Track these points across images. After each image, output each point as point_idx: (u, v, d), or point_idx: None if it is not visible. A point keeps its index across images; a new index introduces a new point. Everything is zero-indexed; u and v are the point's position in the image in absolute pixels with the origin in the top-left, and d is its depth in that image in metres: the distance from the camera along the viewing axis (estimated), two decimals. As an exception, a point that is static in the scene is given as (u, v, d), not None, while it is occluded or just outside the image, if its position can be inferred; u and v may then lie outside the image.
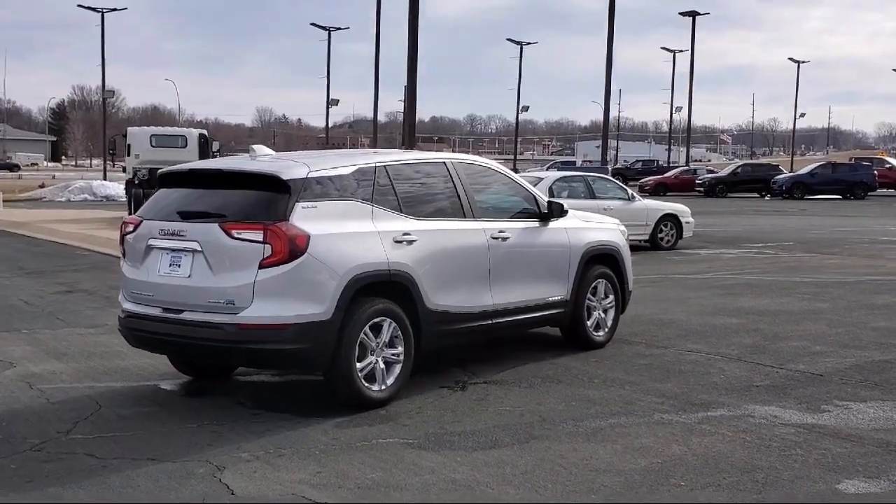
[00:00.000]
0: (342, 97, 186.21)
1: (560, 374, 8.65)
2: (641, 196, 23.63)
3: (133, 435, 6.89)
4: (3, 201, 35.38)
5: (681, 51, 76.16)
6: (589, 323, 9.70)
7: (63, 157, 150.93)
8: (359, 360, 7.39)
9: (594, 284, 9.74)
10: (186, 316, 7.25)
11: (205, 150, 28.33)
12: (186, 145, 28.41)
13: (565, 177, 20.82)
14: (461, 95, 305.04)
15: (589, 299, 9.69)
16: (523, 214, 9.21)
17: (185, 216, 7.43)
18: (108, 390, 8.22)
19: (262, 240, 6.99)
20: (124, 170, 30.79)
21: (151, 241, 7.57)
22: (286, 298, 7.02)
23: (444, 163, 8.58)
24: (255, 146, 8.01)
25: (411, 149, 23.15)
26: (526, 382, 8.37)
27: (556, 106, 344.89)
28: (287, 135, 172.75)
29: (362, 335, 7.38)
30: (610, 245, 9.97)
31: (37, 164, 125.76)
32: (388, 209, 7.79)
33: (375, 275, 7.46)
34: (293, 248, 7.00)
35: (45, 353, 9.71)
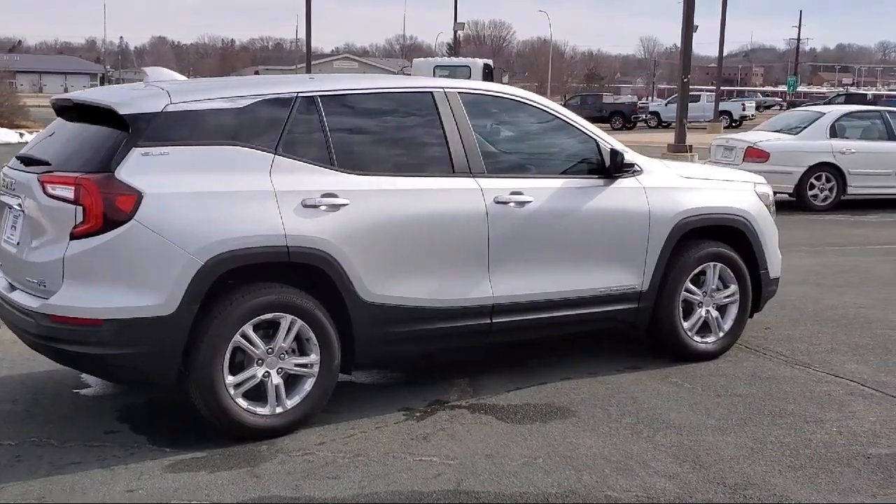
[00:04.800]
0: (738, 25, 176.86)
1: (591, 403, 6.00)
2: None
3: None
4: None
5: None
6: (686, 324, 6.80)
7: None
8: (232, 373, 5.25)
9: (698, 269, 6.82)
10: (15, 296, 5.45)
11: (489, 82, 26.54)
12: (469, 76, 26.72)
13: (855, 112, 16.79)
14: (874, 20, 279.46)
15: (688, 291, 6.78)
16: (577, 169, 6.49)
17: (25, 162, 5.60)
18: (34, 379, 6.53)
19: (73, 198, 5.00)
20: None
21: (1, 195, 5.85)
22: (102, 282, 5.01)
23: (431, 93, 6.05)
24: (148, 68, 5.94)
25: (687, 82, 19.93)
26: (522, 412, 5.82)
27: None
28: (672, 65, 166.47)
29: (238, 338, 5.24)
30: (729, 213, 6.93)
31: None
32: (306, 159, 5.49)
33: (260, 253, 5.25)
34: (112, 213, 4.96)
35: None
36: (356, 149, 5.74)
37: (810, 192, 15.95)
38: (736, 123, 52.69)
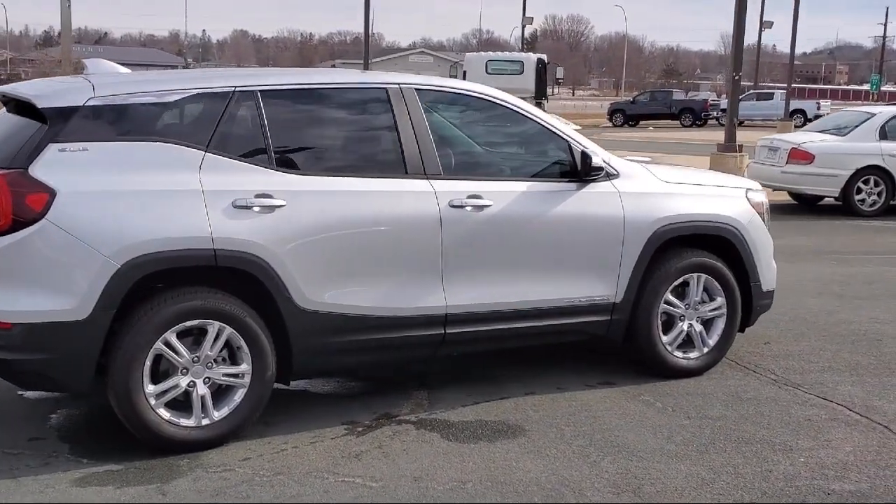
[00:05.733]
0: (824, 22, 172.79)
1: (547, 422, 5.67)
2: None
3: None
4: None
5: None
6: (666, 339, 6.37)
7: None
8: (154, 382, 4.98)
9: (680, 280, 6.38)
10: None
11: (542, 77, 25.95)
12: (523, 71, 26.21)
13: (908, 113, 15.96)
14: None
15: (668, 304, 6.36)
16: (546, 172, 6.12)
17: None
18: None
19: None
20: None
21: None
22: (12, 284, 4.79)
23: (386, 90, 5.72)
24: (88, 60, 5.70)
25: (738, 79, 19.25)
26: (471, 430, 5.50)
27: None
28: (753, 62, 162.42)
29: (159, 345, 4.96)
30: (714, 221, 6.48)
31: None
32: (240, 158, 5.21)
33: (182, 256, 4.98)
34: (21, 211, 4.73)
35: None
36: (298, 147, 5.46)
37: (857, 197, 15.23)
38: (811, 122, 51.21)
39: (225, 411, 5.17)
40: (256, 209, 5.12)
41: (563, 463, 5.01)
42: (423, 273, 5.59)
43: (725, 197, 6.61)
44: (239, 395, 5.20)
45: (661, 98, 55.23)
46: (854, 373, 6.64)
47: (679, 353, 6.43)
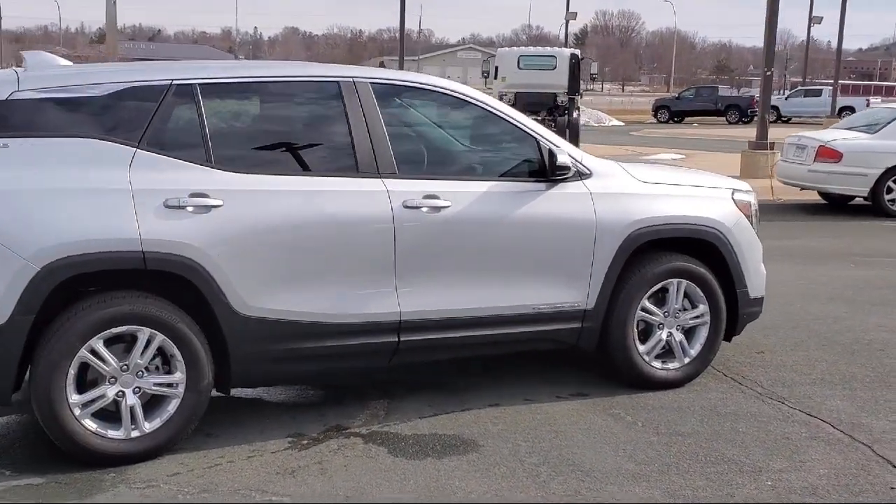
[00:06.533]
0: (881, 18, 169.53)
1: (504, 436, 5.33)
2: None
3: None
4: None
5: None
6: (643, 348, 6.00)
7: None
8: (79, 392, 4.73)
9: (659, 286, 6.01)
10: None
11: (576, 73, 25.36)
12: (556, 67, 25.63)
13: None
14: None
15: (645, 311, 5.99)
16: (512, 171, 5.78)
17: None
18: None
19: None
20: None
21: None
22: None
23: (337, 83, 5.41)
24: (27, 52, 5.43)
25: (770, 75, 18.71)
26: (421, 444, 5.19)
27: None
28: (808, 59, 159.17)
29: (84, 353, 4.70)
30: (695, 223, 6.09)
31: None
32: (175, 155, 4.93)
33: (107, 259, 4.71)
34: None
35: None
36: (239, 145, 5.18)
37: (887, 196, 14.63)
38: (859, 119, 50.04)
39: (157, 423, 4.91)
40: (190, 209, 4.84)
41: (510, 483, 4.68)
42: (375, 277, 5.28)
43: (708, 198, 6.22)
44: (172, 406, 4.94)
45: (707, 94, 54.35)
46: (847, 386, 6.22)
47: (657, 364, 6.06)
